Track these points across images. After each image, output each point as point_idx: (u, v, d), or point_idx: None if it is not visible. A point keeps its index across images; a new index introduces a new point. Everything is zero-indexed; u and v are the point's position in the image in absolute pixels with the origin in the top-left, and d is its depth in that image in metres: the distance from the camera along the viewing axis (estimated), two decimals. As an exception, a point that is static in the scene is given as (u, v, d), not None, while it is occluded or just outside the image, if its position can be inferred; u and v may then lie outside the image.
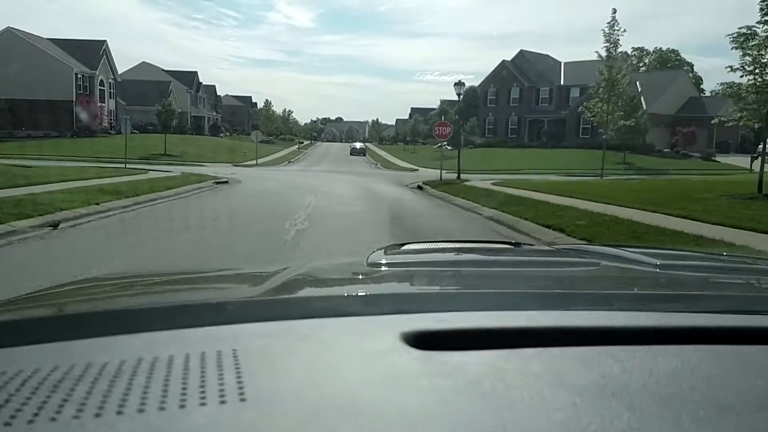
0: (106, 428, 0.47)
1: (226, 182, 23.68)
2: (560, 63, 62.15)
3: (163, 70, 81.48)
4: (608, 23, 34.61)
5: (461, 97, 28.15)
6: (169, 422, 0.49)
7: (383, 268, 1.31)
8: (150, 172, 26.05)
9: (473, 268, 1.42)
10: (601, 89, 33.85)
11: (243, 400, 0.52)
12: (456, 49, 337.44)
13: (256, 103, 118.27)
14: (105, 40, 59.50)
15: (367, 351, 0.66)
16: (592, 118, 34.54)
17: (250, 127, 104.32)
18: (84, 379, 0.57)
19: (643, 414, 0.51)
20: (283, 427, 0.48)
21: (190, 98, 79.96)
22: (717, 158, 46.62)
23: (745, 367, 0.67)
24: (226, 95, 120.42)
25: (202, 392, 0.54)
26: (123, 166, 28.56)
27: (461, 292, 1.13)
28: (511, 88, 59.98)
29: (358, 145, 71.59)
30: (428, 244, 1.73)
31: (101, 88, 58.34)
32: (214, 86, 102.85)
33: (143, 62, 78.97)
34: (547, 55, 62.49)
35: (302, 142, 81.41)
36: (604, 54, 34.91)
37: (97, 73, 56.31)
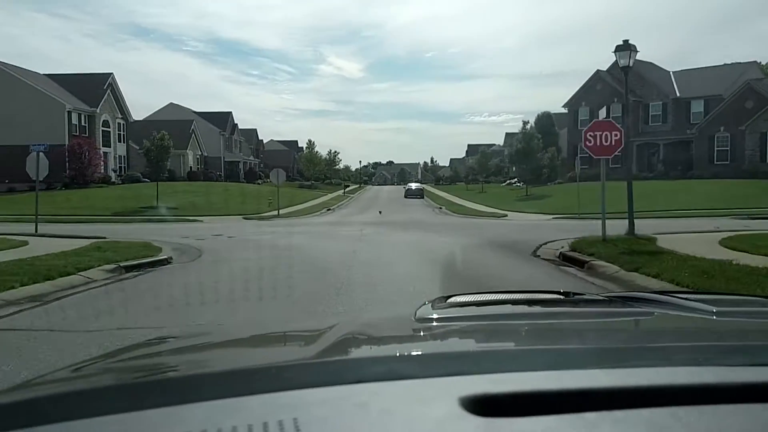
0: None
1: (166, 262, 11.36)
2: (668, 72, 48.53)
3: (194, 111, 72.02)
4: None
5: (626, 73, 15.29)
6: None
7: (433, 323, 1.29)
8: (56, 239, 14.15)
9: (525, 321, 1.37)
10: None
11: None
12: (504, 89, 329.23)
13: (302, 148, 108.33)
14: (111, 73, 49.70)
15: (427, 419, 0.64)
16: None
17: (295, 172, 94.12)
18: None
19: None
20: None
21: (224, 141, 69.78)
22: None
23: None
24: (271, 140, 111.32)
25: None
26: (33, 228, 16.75)
27: (516, 349, 1.08)
28: (610, 104, 46.51)
29: (413, 185, 59.10)
30: (475, 296, 1.64)
31: (105, 129, 48.18)
32: (255, 130, 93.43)
33: (170, 103, 69.58)
34: (651, 63, 49.02)
35: (348, 186, 69.55)
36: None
37: (98, 111, 46.15)
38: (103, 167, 45.70)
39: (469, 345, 1.18)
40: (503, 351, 1.03)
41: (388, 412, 0.66)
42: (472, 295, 1.60)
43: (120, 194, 36.00)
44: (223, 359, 1.25)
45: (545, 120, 69.19)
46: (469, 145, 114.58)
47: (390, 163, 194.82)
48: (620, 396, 0.68)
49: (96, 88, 47.12)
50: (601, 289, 8.44)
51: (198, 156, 56.95)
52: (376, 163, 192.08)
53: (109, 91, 48.14)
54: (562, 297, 1.65)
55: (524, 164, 38.66)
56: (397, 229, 20.06)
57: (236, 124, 74.72)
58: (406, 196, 54.36)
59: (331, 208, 39.50)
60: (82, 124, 45.47)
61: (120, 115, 49.90)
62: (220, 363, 1.16)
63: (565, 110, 73.78)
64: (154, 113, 67.91)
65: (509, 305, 1.59)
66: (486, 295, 1.64)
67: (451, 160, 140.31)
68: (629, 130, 46.57)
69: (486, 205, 36.25)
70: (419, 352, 1.02)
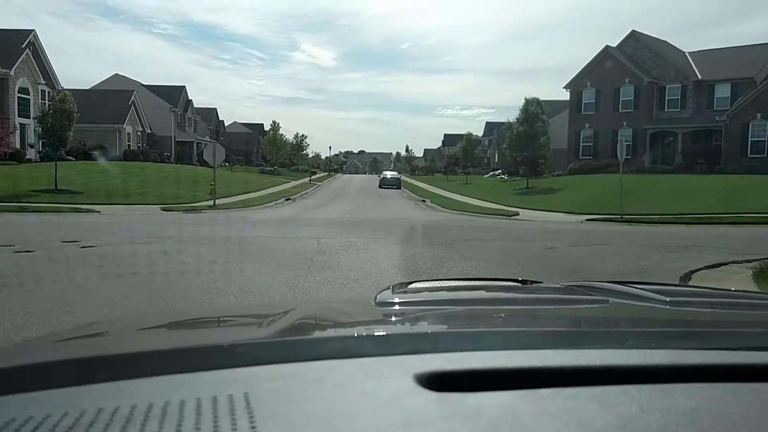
0: None
1: None
2: (684, 53, 42.16)
3: (142, 84, 63.45)
4: None
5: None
6: None
7: (393, 308, 1.28)
8: None
9: (483, 306, 1.37)
10: None
11: None
12: (476, 84, 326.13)
13: (268, 131, 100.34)
14: (32, 30, 41.19)
15: (382, 394, 0.64)
16: None
17: (259, 157, 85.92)
18: (95, 425, 0.55)
19: None
20: None
21: (174, 118, 61.43)
22: None
23: (767, 404, 0.65)
24: (234, 122, 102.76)
25: None
26: None
27: (472, 331, 1.06)
28: (620, 86, 39.84)
29: (389, 173, 51.87)
30: (436, 282, 1.67)
31: (23, 96, 39.73)
32: (214, 109, 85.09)
33: (116, 74, 60.84)
34: (666, 42, 42.56)
35: (314, 172, 62.04)
36: None
37: (11, 73, 37.70)
38: (17, 141, 37.40)
39: (426, 326, 1.15)
40: (459, 332, 1.01)
41: (342, 387, 0.66)
42: (433, 282, 1.67)
43: (17, 173, 28.04)
44: (176, 337, 1.21)
45: (533, 106, 62.73)
46: (446, 135, 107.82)
47: (362, 152, 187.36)
48: (573, 375, 0.68)
49: (11, 46, 38.59)
50: None
51: (139, 132, 48.71)
52: (347, 152, 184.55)
53: (28, 50, 39.57)
54: (519, 284, 1.68)
55: (526, 151, 31.78)
56: (375, 234, 12.87)
57: (190, 101, 66.33)
58: (380, 186, 47.14)
59: (292, 197, 32.09)
60: (-12, 88, 37.03)
61: (43, 81, 41.38)
62: (173, 341, 1.12)
63: (549, 98, 67.36)
64: (94, 85, 59.29)
65: (468, 291, 1.62)
66: (446, 282, 1.82)
67: (425, 150, 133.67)
68: (641, 116, 40.06)
69: (480, 199, 29.28)
70: (376, 332, 1.00)
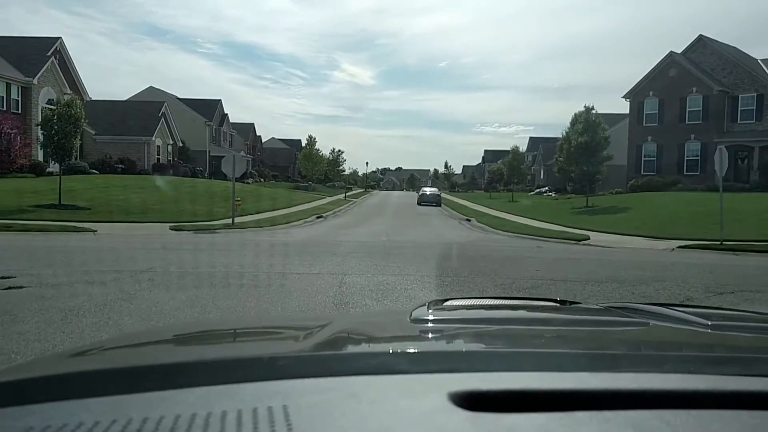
0: None
1: None
2: (756, 60, 37.89)
3: (177, 97, 61.91)
4: None
5: None
6: None
7: (428, 325, 1.28)
8: None
9: (519, 326, 1.35)
10: None
11: None
12: (514, 101, 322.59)
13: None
14: (59, 38, 39.58)
15: (416, 411, 0.64)
16: None
17: (295, 173, 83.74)
18: None
19: None
20: None
21: (210, 133, 59.62)
22: None
23: None
24: (272, 138, 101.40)
25: None
26: None
27: (507, 351, 1.05)
28: (687, 95, 35.81)
29: (428, 190, 48.49)
30: (472, 300, 1.67)
31: (49, 107, 37.94)
32: (251, 125, 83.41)
33: (150, 87, 59.47)
34: (736, 48, 38.40)
35: (350, 189, 59.11)
36: None
37: (35, 82, 35.98)
38: (39, 153, 35.54)
39: (462, 345, 1.15)
40: (495, 352, 1.01)
41: (378, 403, 0.66)
42: (469, 300, 1.60)
43: (27, 187, 25.79)
44: (218, 349, 1.24)
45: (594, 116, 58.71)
46: (486, 151, 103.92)
47: (399, 169, 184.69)
48: (609, 398, 0.67)
49: (35, 53, 36.94)
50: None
51: (170, 145, 46.65)
52: (384, 169, 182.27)
53: (53, 59, 37.90)
54: (558, 305, 1.66)
55: (586, 165, 28.07)
56: (418, 267, 9.62)
57: (226, 115, 64.53)
58: (419, 203, 43.88)
59: (324, 215, 29.12)
60: (13, 97, 35.31)
61: (69, 91, 39.61)
62: (215, 352, 1.15)
63: (599, 110, 63.39)
64: (132, 96, 57.92)
65: (505, 310, 1.59)
66: (482, 300, 1.63)
67: (464, 167, 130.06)
68: (711, 128, 35.90)
69: (535, 219, 25.71)
70: (412, 349, 1.01)
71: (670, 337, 1.28)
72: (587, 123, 28.61)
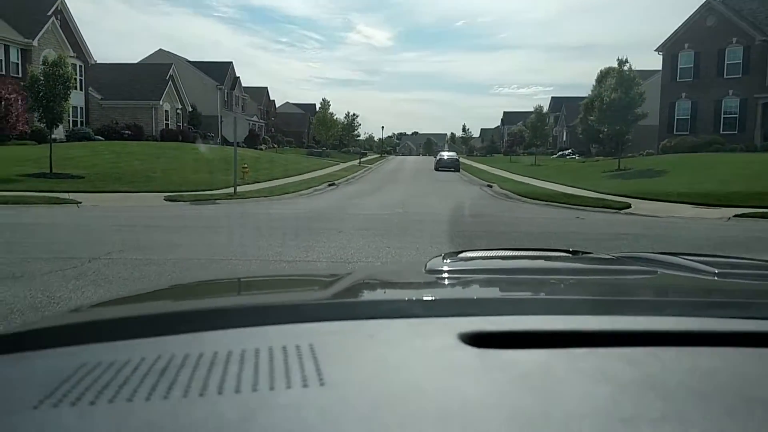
0: (212, 406, 0.54)
1: None
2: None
3: (188, 61, 59.80)
4: None
5: None
6: (262, 401, 0.56)
7: (442, 274, 1.32)
8: None
9: (529, 276, 1.38)
10: None
11: (322, 384, 0.59)
12: (533, 61, 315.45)
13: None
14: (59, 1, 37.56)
15: (428, 349, 0.70)
16: None
17: (310, 138, 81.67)
18: (185, 366, 0.64)
19: (677, 405, 0.54)
20: (358, 408, 0.54)
21: (221, 97, 57.66)
22: None
23: None
24: (286, 103, 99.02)
25: (287, 378, 0.61)
26: None
27: (515, 296, 1.12)
28: (726, 46, 32.92)
29: (446, 154, 46.19)
30: (485, 252, 1.70)
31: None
32: (265, 89, 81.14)
33: (160, 50, 57.46)
34: (780, -5, 35.16)
35: (365, 154, 57.09)
36: None
37: (35, 44, 34.18)
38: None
39: (471, 292, 1.21)
40: (502, 298, 1.05)
41: (393, 343, 0.73)
42: (482, 251, 1.65)
43: (20, 154, 24.29)
44: (248, 296, 1.33)
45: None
46: (505, 113, 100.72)
47: (415, 133, 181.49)
48: (606, 337, 0.71)
49: (35, 14, 35.04)
50: None
51: (179, 110, 44.80)
52: (401, 134, 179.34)
53: (54, 19, 35.98)
54: (569, 255, 1.72)
55: (619, 124, 25.66)
56: (440, 248, 7.75)
57: (238, 78, 62.35)
58: (437, 168, 41.79)
59: (336, 182, 27.32)
60: (12, 59, 33.60)
61: (72, 53, 37.76)
62: (247, 300, 1.23)
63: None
64: (141, 60, 55.91)
65: (517, 260, 1.65)
66: (495, 251, 1.68)
67: (482, 130, 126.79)
68: (752, 83, 33.10)
69: (562, 184, 23.61)
70: (426, 296, 1.06)
71: (675, 284, 1.32)
72: (621, 78, 26.11)
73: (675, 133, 34.23)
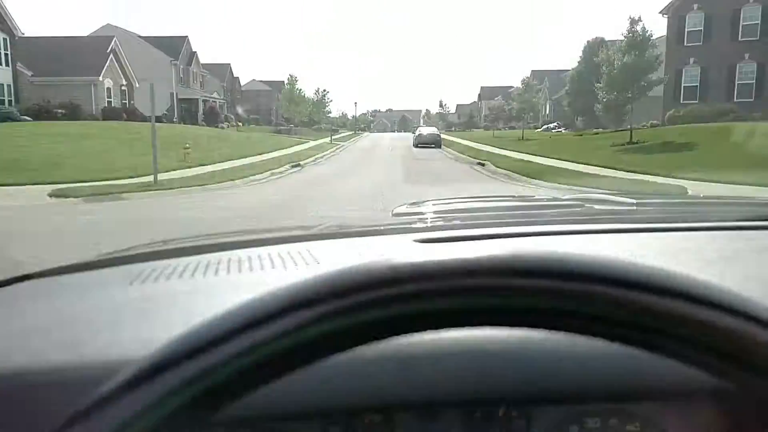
0: (216, 279, 0.81)
1: None
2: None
3: (140, 36, 54.24)
4: None
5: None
6: (275, 275, 0.82)
7: (404, 216, 1.56)
8: None
9: (476, 213, 1.64)
10: None
11: (318, 263, 0.86)
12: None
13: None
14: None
15: (389, 245, 1.01)
16: None
17: (279, 116, 76.54)
18: (188, 268, 0.91)
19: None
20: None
21: (176, 73, 52.31)
22: None
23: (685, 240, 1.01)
24: (252, 80, 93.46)
25: (294, 263, 0.86)
26: None
27: (464, 221, 1.40)
28: (741, 5, 28.97)
29: (425, 130, 41.79)
30: (447, 199, 1.87)
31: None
32: (227, 65, 75.78)
33: (107, 24, 51.68)
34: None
35: (336, 131, 52.58)
36: None
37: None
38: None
39: (427, 222, 1.40)
40: (455, 221, 1.32)
41: (371, 245, 1.02)
42: (441, 199, 1.85)
43: None
44: (230, 240, 1.46)
45: (597, 48, 51.60)
46: (482, 87, 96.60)
47: (389, 110, 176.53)
48: (524, 236, 1.01)
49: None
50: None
51: (124, 87, 39.61)
52: (374, 111, 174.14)
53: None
54: (515, 197, 2.28)
55: (630, 90, 21.62)
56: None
57: (195, 53, 56.93)
58: (416, 145, 37.55)
59: (302, 163, 22.97)
60: None
61: (-9, 24, 32.39)
62: (237, 236, 1.52)
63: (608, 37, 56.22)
64: (88, 35, 50.14)
65: (471, 202, 1.90)
66: (457, 198, 1.94)
67: (458, 105, 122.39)
68: (762, 48, 28.86)
69: (570, 161, 19.58)
70: (389, 223, 1.39)
71: (594, 211, 1.50)
72: (632, 39, 22.03)
73: (682, 102, 30.37)
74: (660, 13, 31.51)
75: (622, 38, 22.45)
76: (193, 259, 0.95)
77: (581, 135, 32.06)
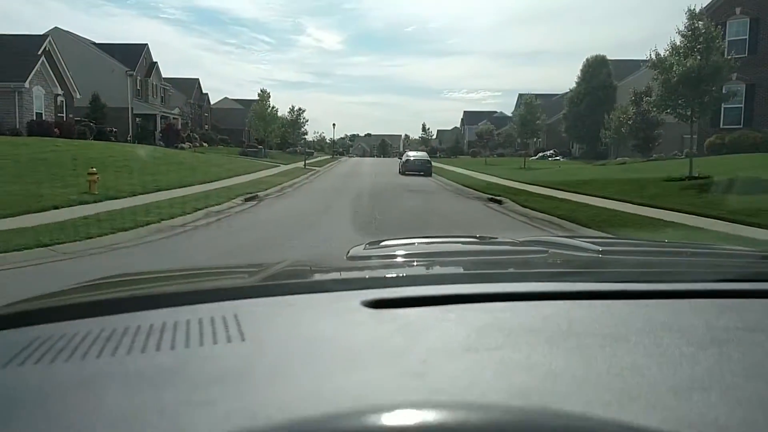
0: (150, 359, 0.67)
1: None
2: None
3: (93, 43, 48.39)
4: None
5: None
6: (192, 353, 0.68)
7: (357, 259, 1.45)
8: None
9: (434, 259, 1.53)
10: None
11: (243, 340, 0.71)
12: (482, 67, 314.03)
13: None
14: None
15: (335, 311, 0.86)
16: None
17: (250, 137, 70.71)
18: (127, 335, 0.76)
19: (513, 338, 0.70)
20: (271, 354, 0.68)
21: (132, 85, 46.41)
22: None
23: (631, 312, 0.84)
24: (225, 98, 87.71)
25: (214, 337, 0.72)
26: None
27: (415, 274, 1.26)
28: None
29: (414, 155, 36.05)
30: (403, 240, 1.78)
31: None
32: (196, 80, 69.98)
33: (56, 28, 45.71)
34: None
35: (311, 153, 47.00)
36: None
37: None
38: None
39: (378, 271, 1.32)
40: (404, 275, 1.17)
41: (308, 309, 0.88)
42: (401, 240, 1.75)
43: None
44: (183, 283, 1.37)
45: (598, 67, 47.21)
46: (465, 112, 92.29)
47: (368, 135, 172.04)
48: (477, 298, 0.88)
49: None
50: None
51: (60, 97, 33.46)
52: (353, 135, 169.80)
53: None
54: (476, 239, 1.85)
55: (696, 104, 16.41)
56: None
57: (155, 63, 51.03)
58: (403, 172, 32.11)
59: (260, 194, 17.28)
60: None
61: None
62: (180, 286, 1.29)
63: (616, 58, 51.71)
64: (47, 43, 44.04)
65: (428, 245, 1.78)
66: (412, 239, 1.81)
67: (438, 131, 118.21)
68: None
69: (613, 199, 14.26)
70: (338, 275, 1.28)
71: (557, 260, 1.43)
72: (694, 36, 17.07)
73: (722, 126, 25.52)
74: (693, 18, 26.62)
75: (679, 37, 17.34)
76: (94, 325, 0.81)
77: (604, 165, 26.82)
